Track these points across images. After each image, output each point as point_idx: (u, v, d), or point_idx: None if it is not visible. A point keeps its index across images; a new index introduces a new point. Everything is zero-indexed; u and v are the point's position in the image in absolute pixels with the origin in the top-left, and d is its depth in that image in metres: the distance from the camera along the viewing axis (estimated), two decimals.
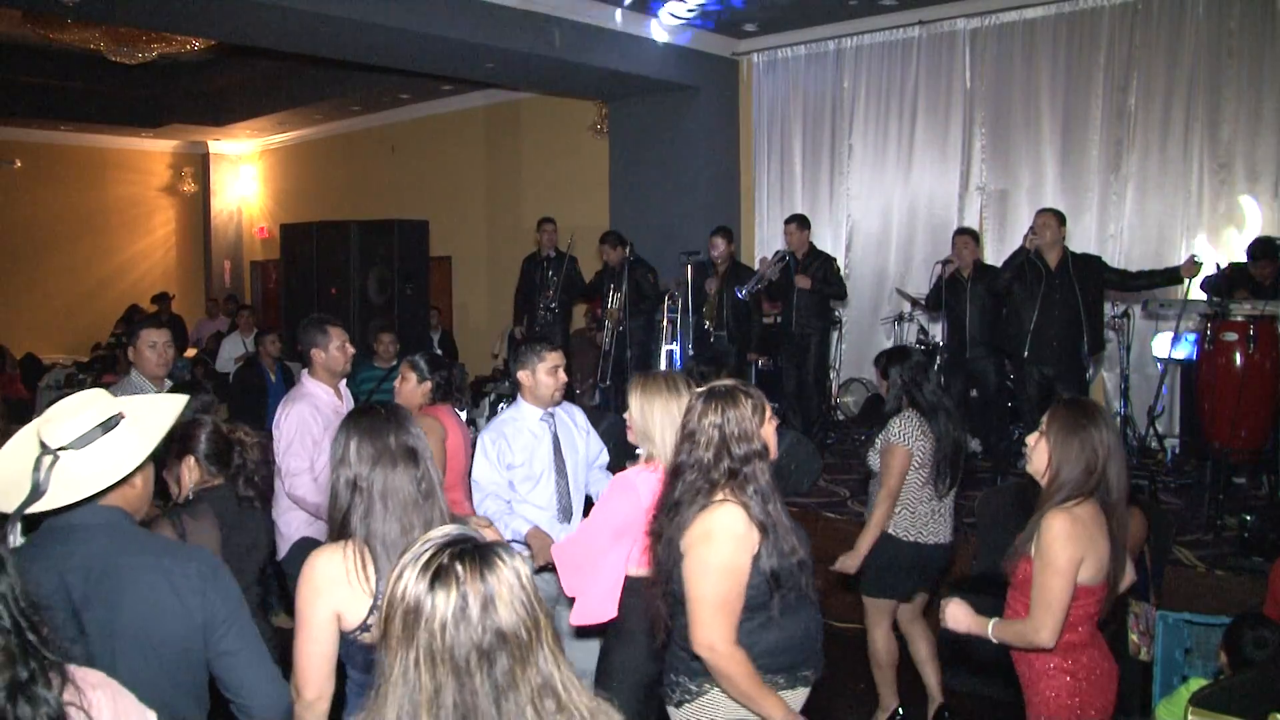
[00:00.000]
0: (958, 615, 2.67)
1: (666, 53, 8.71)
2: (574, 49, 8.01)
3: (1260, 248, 6.08)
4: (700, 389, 2.48)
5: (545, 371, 3.59)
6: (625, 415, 2.98)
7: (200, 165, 15.36)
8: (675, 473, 2.43)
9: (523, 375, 3.62)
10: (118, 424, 1.92)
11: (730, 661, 2.31)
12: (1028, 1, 7.72)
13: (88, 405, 1.92)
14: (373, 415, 2.27)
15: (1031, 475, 2.71)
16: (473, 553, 1.31)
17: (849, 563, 3.86)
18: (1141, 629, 4.14)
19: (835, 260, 7.49)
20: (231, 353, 8.88)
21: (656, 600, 2.46)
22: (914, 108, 8.45)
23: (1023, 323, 5.92)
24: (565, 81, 9.33)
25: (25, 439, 1.93)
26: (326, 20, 6.83)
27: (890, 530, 3.91)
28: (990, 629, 2.63)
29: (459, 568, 1.29)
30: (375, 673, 1.33)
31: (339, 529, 2.20)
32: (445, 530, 1.39)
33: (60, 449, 1.84)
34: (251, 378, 7.25)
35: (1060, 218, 5.97)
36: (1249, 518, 4.63)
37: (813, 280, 7.02)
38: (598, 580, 2.87)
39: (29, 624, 1.35)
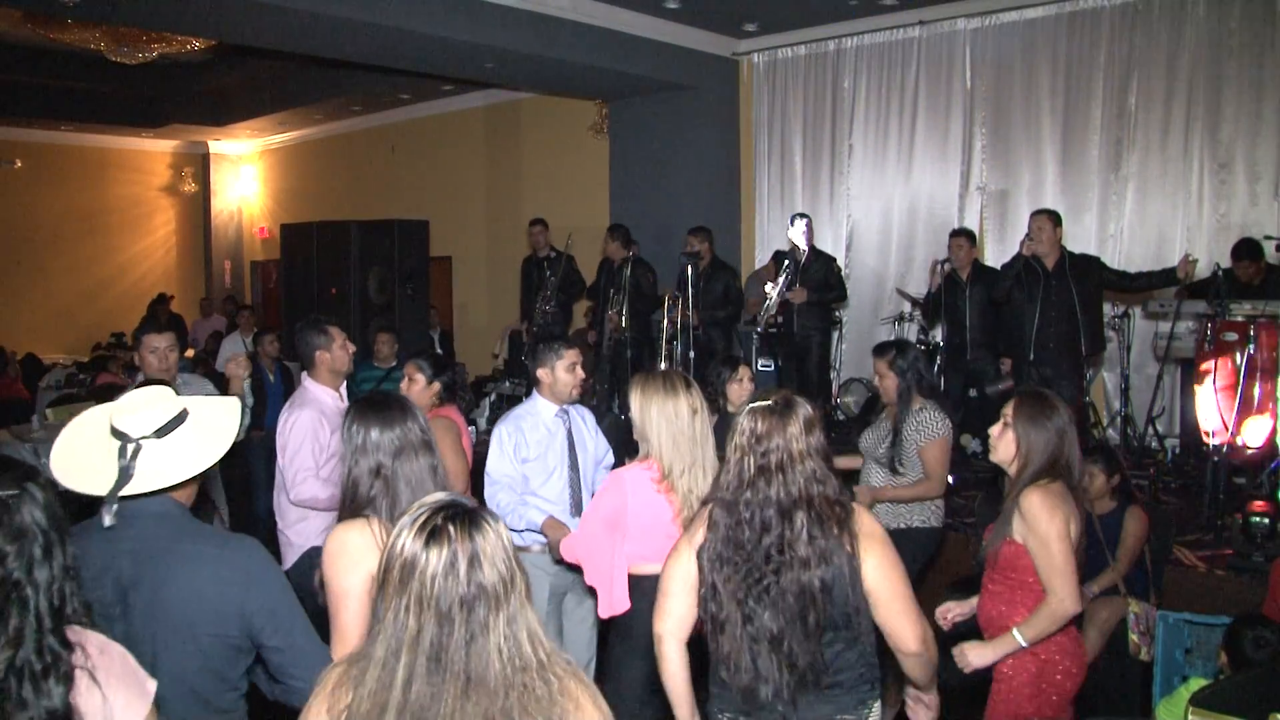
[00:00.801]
0: (981, 652, 2.69)
1: (666, 53, 8.70)
2: (574, 49, 8.01)
3: (1242, 249, 6.12)
4: (753, 407, 2.20)
5: (564, 369, 3.65)
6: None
7: (200, 165, 15.36)
8: (766, 505, 2.13)
9: (542, 373, 3.68)
10: (185, 420, 2.02)
11: (934, 648, 2.22)
12: (1028, 1, 7.72)
13: (161, 399, 2.02)
14: (388, 406, 2.39)
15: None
16: (463, 515, 1.50)
17: (867, 496, 3.99)
18: (1141, 629, 4.14)
19: (835, 260, 7.49)
20: (231, 353, 8.87)
21: (800, 648, 2.13)
22: (914, 108, 8.44)
23: (1024, 325, 5.93)
24: (565, 81, 9.33)
25: (95, 423, 2.00)
26: (326, 20, 6.82)
27: (922, 524, 4.04)
28: (1018, 637, 2.65)
29: (451, 528, 1.48)
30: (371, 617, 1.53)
31: (359, 510, 2.31)
32: (438, 496, 1.57)
33: (143, 438, 1.94)
34: (250, 378, 7.23)
35: (1055, 219, 5.97)
36: (1255, 519, 4.62)
37: (809, 290, 7.07)
38: (612, 573, 2.94)
39: (53, 623, 1.46)
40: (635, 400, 2.96)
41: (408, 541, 1.49)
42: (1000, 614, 2.75)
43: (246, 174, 15.50)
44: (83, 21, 8.80)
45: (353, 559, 2.23)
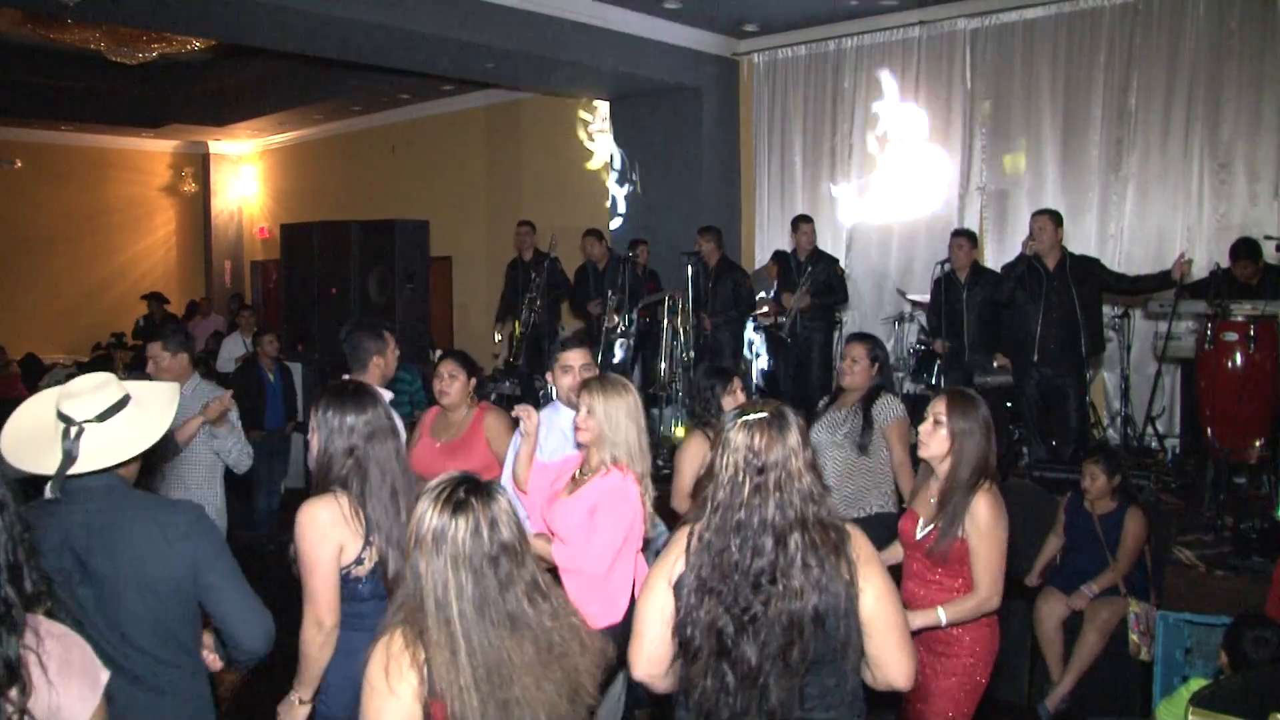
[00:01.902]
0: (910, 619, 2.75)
1: (667, 53, 8.70)
2: (574, 49, 8.01)
3: (1240, 248, 6.12)
4: (748, 420, 2.04)
5: (560, 372, 3.63)
6: (576, 417, 2.96)
7: (201, 165, 15.36)
8: (762, 528, 1.98)
9: (549, 376, 3.70)
10: (128, 404, 2.20)
11: None
12: (1028, 1, 7.72)
13: (105, 385, 2.19)
14: (360, 393, 2.62)
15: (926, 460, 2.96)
16: (479, 488, 1.82)
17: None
18: (1141, 629, 4.15)
19: (838, 261, 7.49)
20: (232, 352, 8.89)
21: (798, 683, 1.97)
22: (914, 108, 8.44)
23: (1028, 327, 5.93)
24: (565, 81, 9.34)
25: (42, 407, 2.19)
26: (326, 20, 6.83)
27: (880, 509, 4.11)
28: (942, 615, 2.83)
29: (473, 499, 1.78)
30: (406, 579, 1.81)
31: (327, 487, 2.53)
32: (451, 474, 1.86)
33: (86, 421, 2.11)
34: (250, 378, 7.25)
35: (1057, 218, 5.97)
36: (1255, 521, 4.63)
37: (811, 294, 7.08)
38: (607, 586, 2.85)
39: (8, 577, 1.56)
40: (600, 404, 2.86)
41: (434, 515, 1.77)
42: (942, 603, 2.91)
43: (246, 174, 15.50)
44: (83, 21, 8.79)
45: (322, 532, 2.45)
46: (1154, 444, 6.63)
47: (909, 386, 7.76)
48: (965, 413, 2.85)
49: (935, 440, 2.87)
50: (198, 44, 9.77)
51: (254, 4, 6.53)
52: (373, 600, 2.51)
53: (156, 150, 15.07)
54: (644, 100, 9.32)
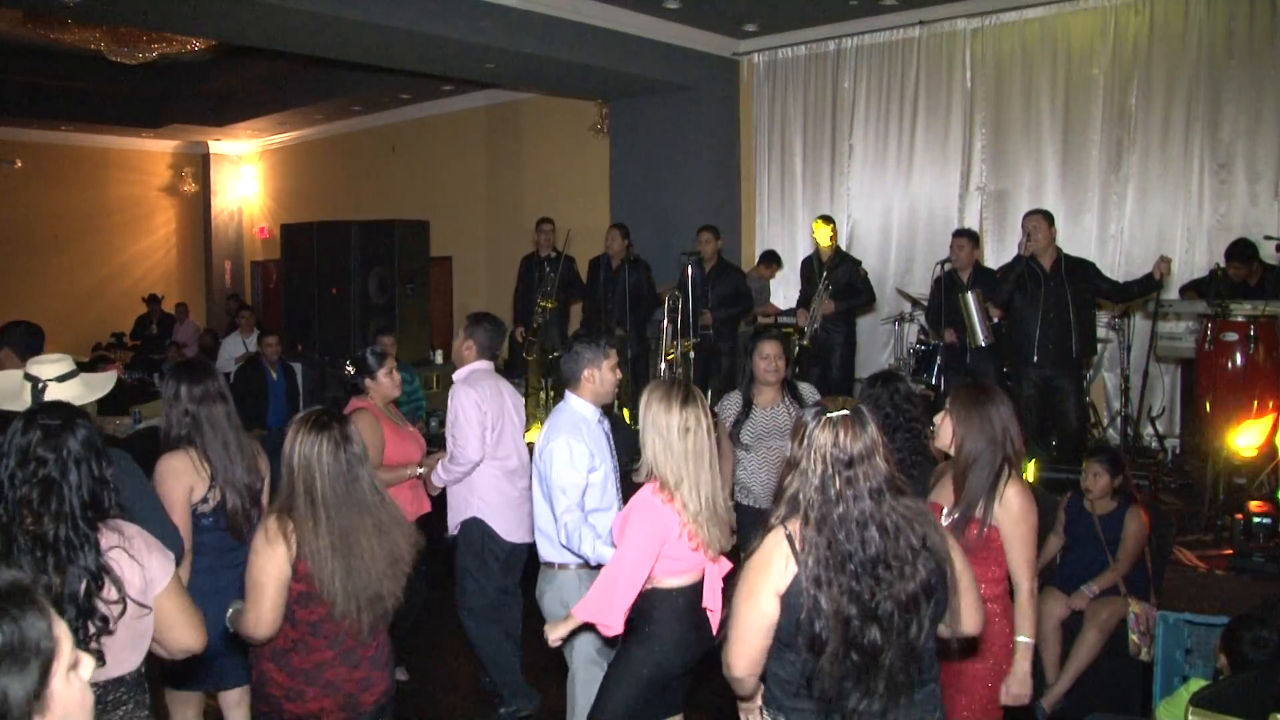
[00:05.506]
0: (1022, 681, 2.85)
1: (667, 53, 8.70)
2: (574, 49, 8.01)
3: (1235, 249, 6.12)
4: (832, 417, 2.14)
5: (609, 368, 3.56)
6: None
7: (201, 165, 15.36)
8: (864, 519, 2.10)
9: (588, 373, 3.53)
10: (77, 374, 3.00)
11: None
12: (1028, 1, 7.72)
13: (63, 359, 3.04)
14: (196, 368, 3.29)
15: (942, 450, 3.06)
16: (336, 416, 2.68)
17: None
18: (1141, 629, 4.14)
19: (860, 263, 7.41)
20: (232, 352, 8.89)
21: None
22: (914, 108, 8.44)
23: (1026, 328, 5.93)
24: (565, 81, 9.34)
25: (11, 376, 3.02)
26: (326, 20, 6.83)
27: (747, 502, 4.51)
28: (1026, 640, 2.86)
29: (334, 423, 2.62)
30: (283, 479, 2.62)
31: (174, 445, 3.18)
32: (315, 408, 2.71)
33: (49, 380, 2.92)
34: (253, 377, 7.25)
35: (1049, 219, 5.96)
36: (1255, 519, 4.62)
37: (836, 300, 7.06)
38: (615, 595, 2.90)
39: (82, 512, 2.10)
40: (641, 407, 3.00)
41: (305, 434, 2.57)
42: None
43: (246, 174, 15.50)
44: (83, 21, 8.80)
45: (176, 476, 3.13)
46: (1154, 444, 6.63)
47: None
48: (967, 402, 2.94)
49: (944, 428, 2.98)
50: (198, 44, 9.77)
51: (254, 4, 6.53)
52: (215, 531, 3.19)
53: (156, 150, 15.07)
54: (644, 100, 9.32)
